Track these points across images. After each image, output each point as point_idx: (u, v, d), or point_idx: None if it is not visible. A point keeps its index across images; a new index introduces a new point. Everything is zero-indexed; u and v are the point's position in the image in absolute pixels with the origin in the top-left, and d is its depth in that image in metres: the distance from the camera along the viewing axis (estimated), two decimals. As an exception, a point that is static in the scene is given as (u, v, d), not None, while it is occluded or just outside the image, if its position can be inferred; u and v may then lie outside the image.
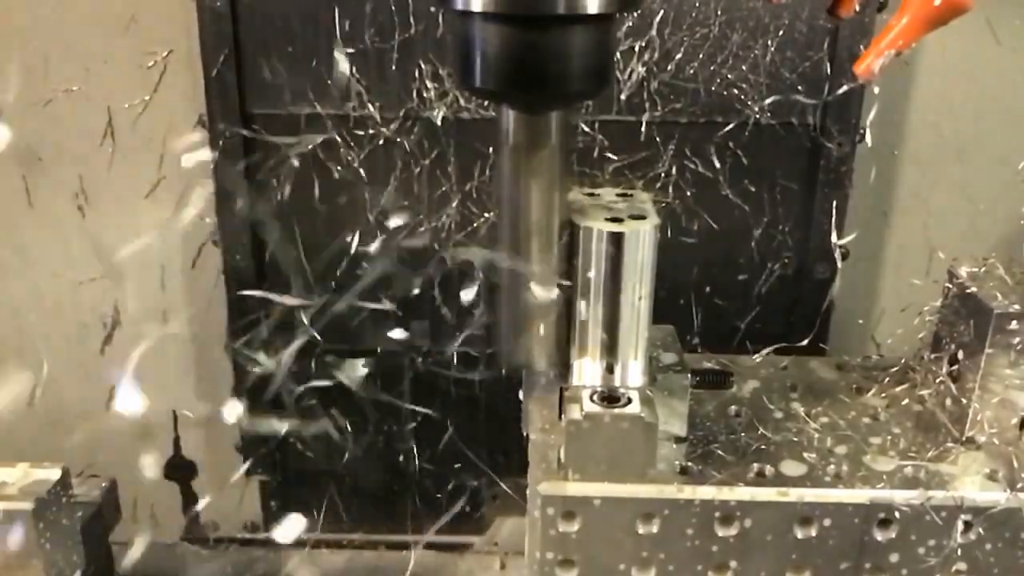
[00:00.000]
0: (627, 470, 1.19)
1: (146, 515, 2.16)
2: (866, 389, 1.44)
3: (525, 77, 1.09)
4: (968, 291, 1.30)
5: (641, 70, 1.75)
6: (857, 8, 1.32)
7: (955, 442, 1.30)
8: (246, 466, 2.03)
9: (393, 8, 1.72)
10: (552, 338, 1.28)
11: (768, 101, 1.77)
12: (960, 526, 1.20)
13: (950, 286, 1.35)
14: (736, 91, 1.77)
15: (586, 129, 1.79)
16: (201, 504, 2.16)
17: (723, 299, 1.91)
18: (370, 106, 1.78)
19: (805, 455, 1.27)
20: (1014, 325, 1.24)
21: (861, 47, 1.69)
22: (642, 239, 1.20)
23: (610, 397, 1.20)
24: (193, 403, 2.08)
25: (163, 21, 1.79)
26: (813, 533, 1.20)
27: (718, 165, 1.82)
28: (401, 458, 2.04)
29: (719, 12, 1.72)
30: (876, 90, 1.76)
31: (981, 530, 1.20)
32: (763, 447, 1.29)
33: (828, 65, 1.75)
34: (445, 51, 1.74)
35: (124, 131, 1.86)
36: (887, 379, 1.45)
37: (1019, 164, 1.86)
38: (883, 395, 1.42)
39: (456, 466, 2.05)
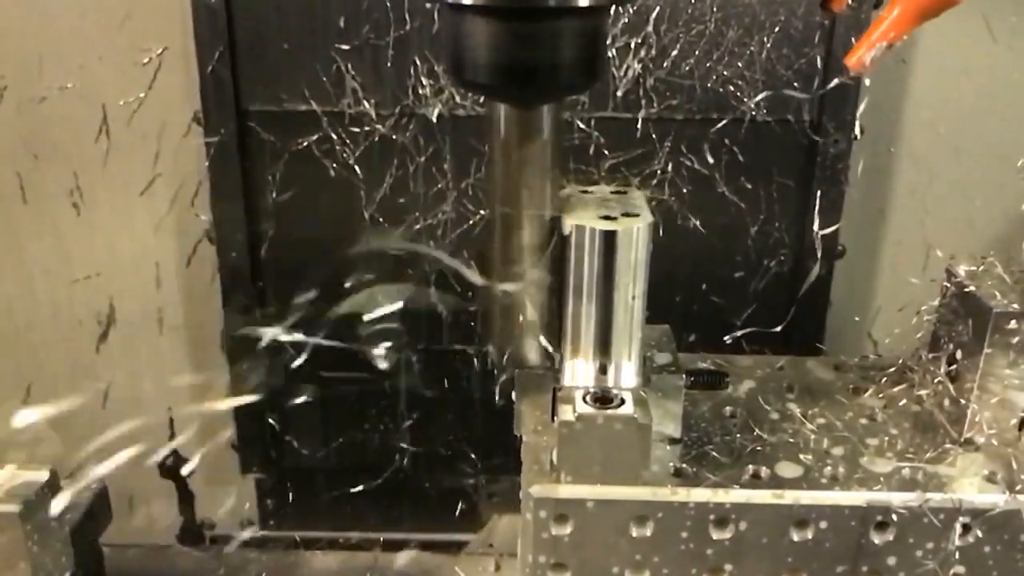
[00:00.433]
0: (620, 472, 1.15)
1: (142, 513, 2.13)
2: (863, 389, 1.40)
3: (516, 71, 1.08)
4: (966, 290, 1.26)
5: (637, 67, 1.72)
6: (851, 2, 1.29)
7: (953, 443, 1.27)
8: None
9: (388, 5, 1.69)
10: (541, 333, 1.25)
11: (764, 98, 1.74)
12: (959, 528, 1.16)
13: (948, 285, 1.31)
14: (732, 88, 1.73)
15: (582, 126, 1.76)
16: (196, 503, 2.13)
17: (719, 296, 1.88)
18: (365, 103, 1.75)
19: (801, 456, 1.23)
20: (1013, 325, 1.20)
21: (856, 42, 1.65)
22: (636, 238, 1.16)
23: (603, 398, 1.17)
24: (188, 401, 2.04)
25: (158, 17, 1.75)
26: (809, 536, 1.17)
27: (714, 162, 1.78)
28: (397, 456, 2.01)
29: (715, 9, 1.69)
30: (867, 82, 1.72)
31: (980, 532, 1.16)
32: (759, 448, 1.25)
33: (823, 61, 1.71)
34: (441, 48, 1.71)
35: (119, 128, 1.82)
36: (884, 379, 1.41)
37: (1016, 161, 1.80)
38: (880, 395, 1.38)
39: (452, 464, 2.02)
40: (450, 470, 2.03)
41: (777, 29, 1.70)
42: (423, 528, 2.10)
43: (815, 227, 1.78)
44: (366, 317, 1.73)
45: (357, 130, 1.77)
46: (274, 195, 1.81)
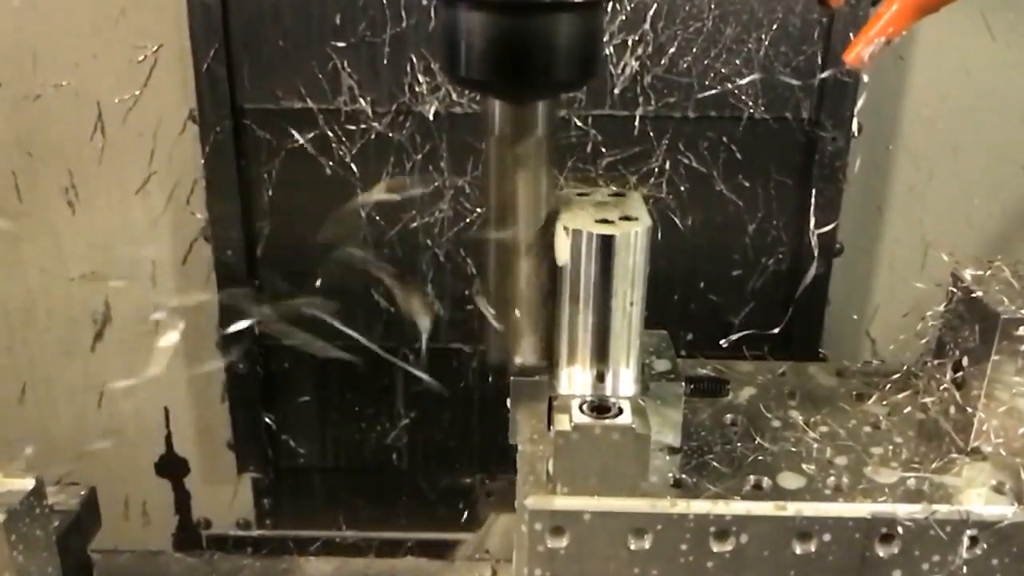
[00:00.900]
0: (618, 483, 1.09)
1: (137, 513, 2.09)
2: (867, 396, 1.33)
3: (510, 66, 1.04)
4: (973, 295, 1.19)
5: (635, 64, 1.68)
6: None
7: (960, 452, 1.20)
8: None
9: (385, 2, 1.65)
10: (539, 332, 1.21)
11: (762, 95, 1.70)
12: (966, 541, 1.10)
13: (954, 290, 1.24)
14: (730, 85, 1.69)
15: (579, 124, 1.72)
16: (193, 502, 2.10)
17: (717, 295, 1.84)
18: (361, 100, 1.71)
19: (804, 466, 1.16)
20: (1022, 331, 1.13)
21: (854, 39, 1.62)
22: (634, 242, 1.10)
23: (600, 407, 1.10)
24: (184, 400, 1.99)
25: (153, 15, 1.71)
26: (812, 549, 1.10)
27: (712, 160, 1.74)
28: (394, 455, 1.97)
29: (712, 6, 1.65)
30: (865, 79, 1.68)
31: (987, 545, 1.10)
32: (760, 458, 1.18)
33: (821, 59, 1.67)
34: (437, 44, 1.66)
35: (114, 126, 1.78)
36: (888, 386, 1.34)
37: (1014, 158, 1.80)
38: (884, 402, 1.31)
39: (449, 463, 1.98)
40: (447, 469, 2.00)
41: (775, 26, 1.66)
42: (420, 527, 2.07)
43: (812, 226, 1.73)
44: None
45: (353, 128, 1.73)
46: (270, 193, 1.77)
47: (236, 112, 1.72)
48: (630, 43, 1.66)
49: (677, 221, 1.77)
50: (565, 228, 1.12)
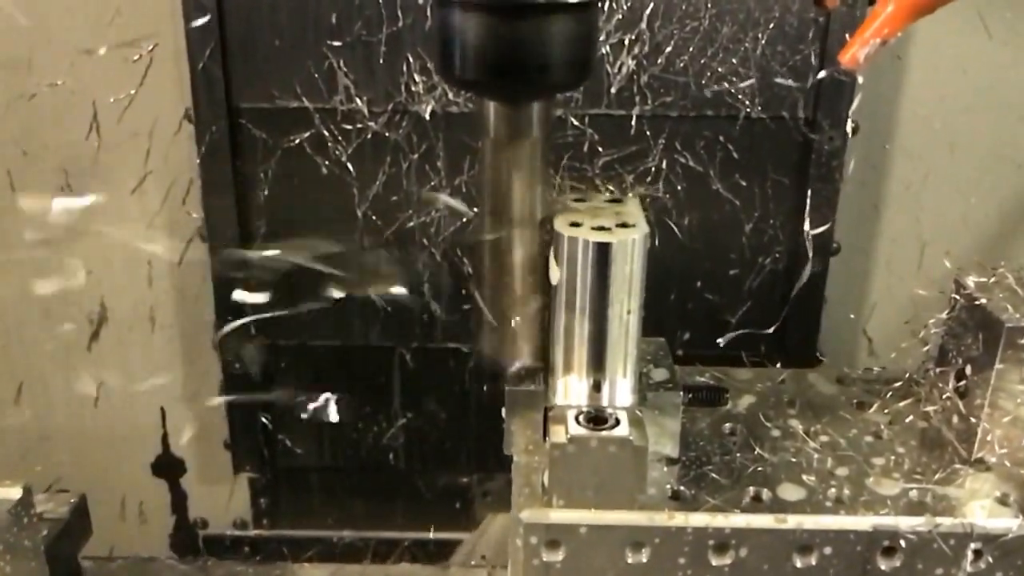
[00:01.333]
0: (615, 496, 1.05)
1: (134, 513, 2.06)
2: (868, 404, 1.29)
3: (505, 67, 1.04)
4: (977, 303, 1.15)
5: (631, 63, 1.65)
6: None
7: (963, 463, 1.16)
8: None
9: (381, 1, 1.62)
10: (535, 331, 1.19)
11: (758, 95, 1.67)
12: (970, 555, 1.06)
13: (957, 297, 1.20)
14: (727, 84, 1.66)
15: (576, 123, 1.69)
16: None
17: (714, 294, 1.80)
18: (358, 100, 1.68)
19: (804, 477, 1.13)
20: (1027, 340, 1.10)
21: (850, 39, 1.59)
22: (631, 250, 1.07)
23: (597, 418, 1.06)
24: (181, 400, 1.96)
25: (148, 14, 1.68)
26: (813, 562, 1.07)
27: (708, 159, 1.71)
28: (390, 455, 1.94)
29: (709, 5, 1.62)
30: (861, 79, 1.63)
31: (992, 559, 1.06)
32: (760, 469, 1.15)
33: (818, 58, 1.65)
34: (432, 46, 1.61)
35: (109, 125, 1.75)
36: (889, 394, 1.30)
37: (1011, 157, 1.77)
38: (886, 411, 1.27)
39: (446, 463, 1.96)
40: (444, 469, 1.97)
41: (771, 25, 1.63)
42: (417, 527, 2.04)
43: (806, 227, 1.71)
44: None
45: (349, 127, 1.70)
46: (266, 192, 1.74)
47: (232, 111, 1.69)
48: (627, 42, 1.63)
49: (674, 220, 1.74)
50: (561, 235, 1.09)
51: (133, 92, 1.72)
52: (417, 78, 1.66)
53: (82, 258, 1.84)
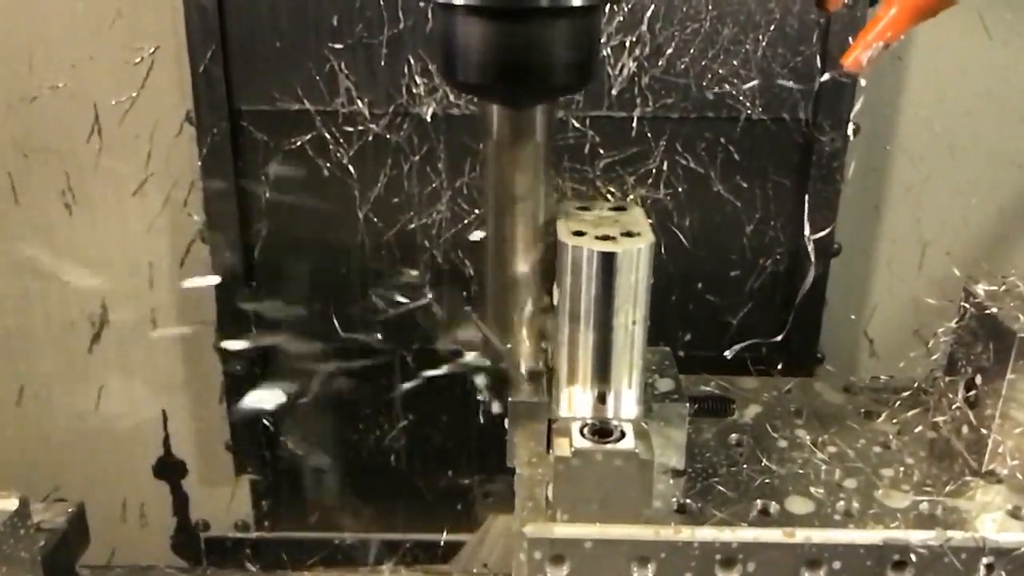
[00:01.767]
0: (620, 510, 1.03)
1: (135, 515, 2.06)
2: (876, 414, 1.28)
3: (508, 71, 1.04)
4: (987, 311, 1.14)
5: (632, 65, 1.65)
6: (847, 1, 1.24)
7: (973, 474, 1.15)
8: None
9: (382, 3, 1.62)
10: (537, 339, 1.19)
11: (759, 96, 1.67)
12: (982, 570, 1.04)
13: (966, 305, 1.19)
14: (727, 86, 1.66)
15: (577, 125, 1.69)
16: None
17: (715, 295, 1.80)
18: (359, 102, 1.68)
19: (812, 490, 1.12)
20: (1040, 349, 1.07)
21: (852, 41, 1.59)
22: (636, 259, 1.05)
23: (602, 430, 1.05)
24: (182, 402, 1.97)
25: (149, 16, 1.68)
26: (822, 577, 1.04)
27: (709, 161, 1.71)
28: (392, 457, 1.95)
29: (710, 7, 1.62)
30: (863, 82, 1.65)
31: (1004, 573, 1.04)
32: (767, 481, 1.13)
33: (819, 60, 1.65)
34: (434, 47, 1.63)
35: (111, 128, 1.75)
36: (898, 403, 1.29)
37: (1011, 159, 1.77)
38: (894, 420, 1.26)
39: (447, 464, 1.96)
40: (445, 470, 1.97)
41: (772, 27, 1.63)
42: (419, 528, 2.03)
43: (806, 230, 1.70)
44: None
45: (351, 129, 1.70)
46: (267, 195, 1.73)
47: (233, 114, 1.69)
48: (627, 44, 1.63)
49: (675, 222, 1.74)
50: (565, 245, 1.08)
51: (134, 94, 1.72)
52: (418, 80, 1.66)
53: (83, 260, 1.84)
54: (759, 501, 1.10)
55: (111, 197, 1.80)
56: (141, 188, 1.78)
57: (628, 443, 1.03)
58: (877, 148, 1.77)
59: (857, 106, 1.65)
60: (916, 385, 1.32)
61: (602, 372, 1.10)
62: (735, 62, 1.65)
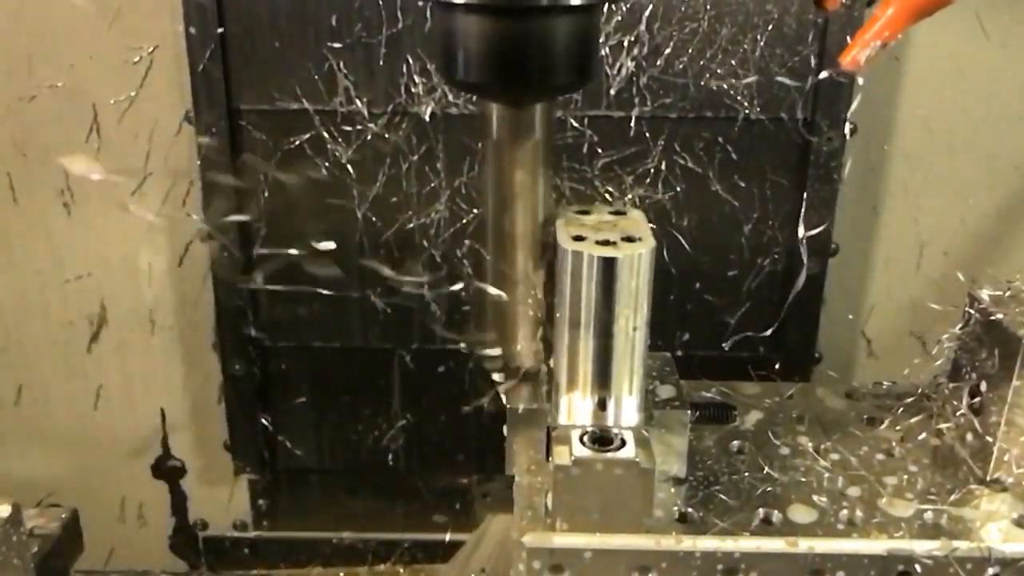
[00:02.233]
0: (621, 519, 1.01)
1: (134, 515, 2.07)
2: (879, 420, 1.26)
3: (508, 70, 1.03)
4: (992, 317, 1.12)
5: (630, 65, 1.65)
6: (845, 1, 1.24)
7: (978, 483, 1.13)
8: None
9: (381, 3, 1.62)
10: (537, 336, 1.18)
11: (757, 96, 1.67)
12: (988, 580, 1.01)
13: (971, 311, 1.17)
14: (725, 86, 1.67)
15: (575, 124, 1.69)
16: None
17: (713, 295, 1.80)
18: (358, 102, 1.68)
19: (815, 498, 1.10)
20: (1046, 356, 1.05)
21: (850, 41, 1.60)
22: (637, 264, 1.02)
23: (602, 438, 1.03)
24: (181, 402, 1.96)
25: (148, 15, 1.67)
26: (825, 586, 1.02)
27: (707, 160, 1.72)
28: (390, 456, 1.95)
29: (708, 7, 1.62)
30: (860, 80, 1.65)
31: (1010, 584, 1.01)
32: (769, 489, 1.12)
33: (817, 59, 1.65)
34: (433, 46, 1.63)
35: (110, 127, 1.74)
36: (901, 409, 1.27)
37: (1009, 158, 1.77)
38: (897, 427, 1.24)
39: (445, 464, 1.96)
40: (443, 470, 1.97)
41: (770, 27, 1.64)
42: (416, 528, 2.04)
43: (801, 232, 1.70)
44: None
45: (349, 129, 1.70)
46: (266, 194, 1.73)
47: (232, 113, 1.69)
48: (626, 44, 1.63)
49: (673, 221, 1.74)
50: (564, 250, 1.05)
51: (133, 94, 1.72)
52: (417, 80, 1.66)
53: (82, 260, 1.84)
54: (761, 510, 1.08)
55: (110, 197, 1.79)
56: (140, 188, 1.78)
57: (629, 452, 1.01)
58: (875, 148, 1.77)
59: (854, 106, 1.65)
60: (919, 391, 1.30)
61: (602, 379, 1.08)
62: (733, 62, 1.65)
